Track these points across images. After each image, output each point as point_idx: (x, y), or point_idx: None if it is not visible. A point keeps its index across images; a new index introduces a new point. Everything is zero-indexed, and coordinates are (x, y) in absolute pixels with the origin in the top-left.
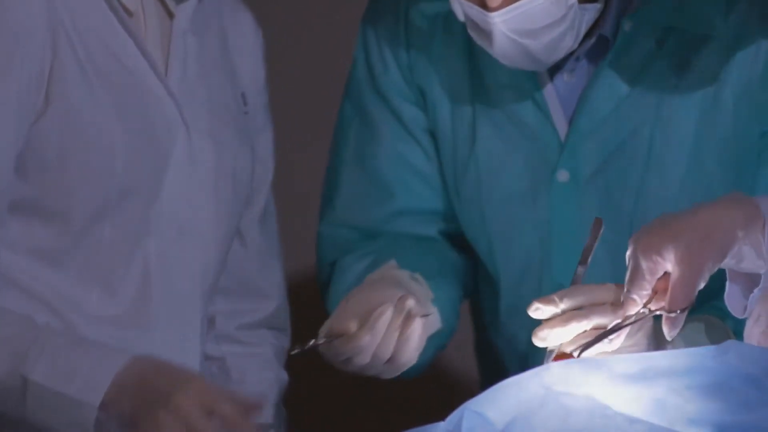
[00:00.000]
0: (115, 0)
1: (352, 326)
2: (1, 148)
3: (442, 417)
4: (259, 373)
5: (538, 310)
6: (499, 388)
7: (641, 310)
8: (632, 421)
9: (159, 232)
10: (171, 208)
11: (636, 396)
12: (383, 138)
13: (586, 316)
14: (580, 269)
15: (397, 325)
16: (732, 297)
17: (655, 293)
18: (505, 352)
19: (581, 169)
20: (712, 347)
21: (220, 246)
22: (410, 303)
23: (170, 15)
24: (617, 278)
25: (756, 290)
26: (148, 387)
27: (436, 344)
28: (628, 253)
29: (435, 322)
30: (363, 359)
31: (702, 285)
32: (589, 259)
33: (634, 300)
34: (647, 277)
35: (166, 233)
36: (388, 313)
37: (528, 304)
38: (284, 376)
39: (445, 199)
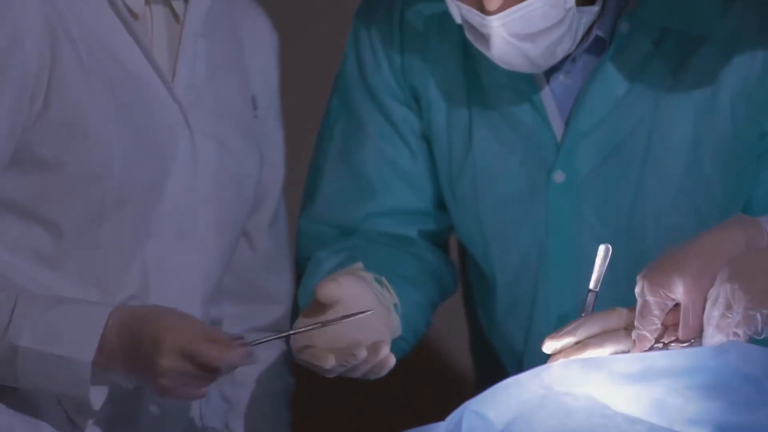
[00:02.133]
0: (119, 3)
1: (330, 362)
2: None
3: (442, 417)
4: (264, 376)
5: (552, 347)
6: (499, 387)
7: (655, 345)
8: (632, 420)
9: (159, 235)
10: (172, 211)
11: (636, 396)
12: (369, 136)
13: (600, 345)
14: (591, 296)
15: (369, 364)
16: None
17: (667, 328)
18: (501, 351)
19: (578, 170)
20: (712, 347)
21: (221, 250)
22: (385, 351)
23: (177, 18)
24: (613, 279)
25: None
26: (134, 349)
27: (399, 349)
28: (637, 289)
29: (396, 329)
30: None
31: None
32: (599, 286)
33: (645, 336)
34: (655, 312)
35: (166, 236)
36: (361, 355)
37: (524, 304)
38: (290, 380)
39: (428, 200)
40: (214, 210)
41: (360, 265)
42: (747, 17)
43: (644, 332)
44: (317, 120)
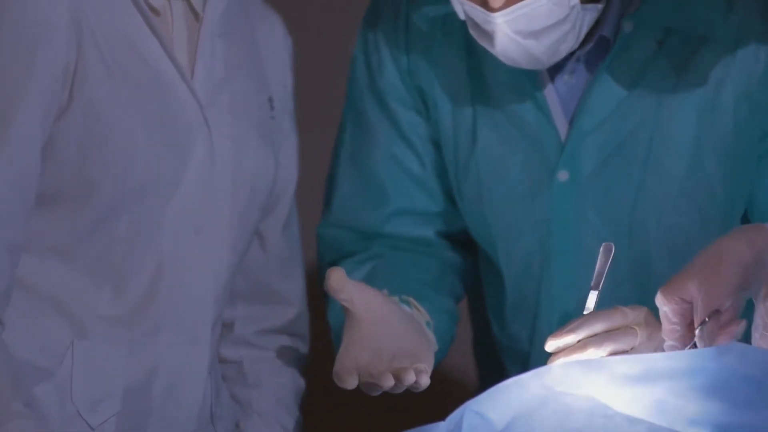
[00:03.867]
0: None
1: (351, 383)
2: (30, 143)
3: (442, 417)
4: (275, 377)
5: (555, 346)
6: (500, 388)
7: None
8: (632, 421)
9: (174, 230)
10: (187, 208)
11: (636, 397)
12: (378, 140)
13: (600, 344)
14: (592, 295)
15: (399, 389)
16: None
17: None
18: (508, 350)
19: (581, 169)
20: (712, 348)
21: (234, 249)
22: (410, 378)
23: (197, 16)
24: (615, 279)
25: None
26: None
27: (435, 360)
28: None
29: (433, 345)
30: None
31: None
32: (601, 285)
33: (675, 347)
34: (674, 319)
35: (181, 232)
36: (387, 385)
37: (529, 302)
38: (301, 382)
39: (441, 201)
40: (229, 208)
41: (385, 292)
42: (750, 17)
43: (672, 343)
44: (328, 123)
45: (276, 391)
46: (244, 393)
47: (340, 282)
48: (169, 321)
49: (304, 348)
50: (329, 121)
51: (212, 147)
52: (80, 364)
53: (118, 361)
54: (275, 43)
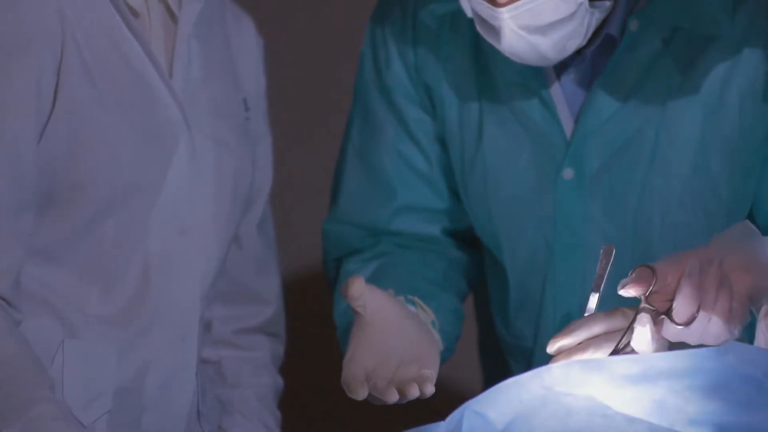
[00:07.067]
0: (121, 1)
1: (360, 394)
2: (25, 144)
3: (442, 417)
4: (255, 377)
5: (555, 348)
6: (500, 388)
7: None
8: (632, 421)
9: (160, 231)
10: (172, 208)
11: (636, 397)
12: (385, 136)
13: (600, 346)
14: (593, 297)
15: (405, 400)
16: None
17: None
18: (511, 347)
19: (586, 167)
20: (712, 348)
21: (219, 248)
22: (414, 393)
23: (173, 18)
24: (620, 277)
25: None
26: None
27: (442, 358)
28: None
29: (438, 344)
30: None
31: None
32: (602, 287)
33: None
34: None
35: (167, 233)
36: (392, 399)
37: (533, 300)
38: (279, 381)
39: (447, 198)
40: (211, 207)
41: (391, 291)
42: (757, 16)
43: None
44: (306, 123)
45: (257, 391)
46: (224, 393)
47: (359, 291)
48: (158, 320)
49: (280, 347)
50: (312, 123)
51: (194, 147)
52: (71, 363)
53: (109, 360)
54: (247, 44)
